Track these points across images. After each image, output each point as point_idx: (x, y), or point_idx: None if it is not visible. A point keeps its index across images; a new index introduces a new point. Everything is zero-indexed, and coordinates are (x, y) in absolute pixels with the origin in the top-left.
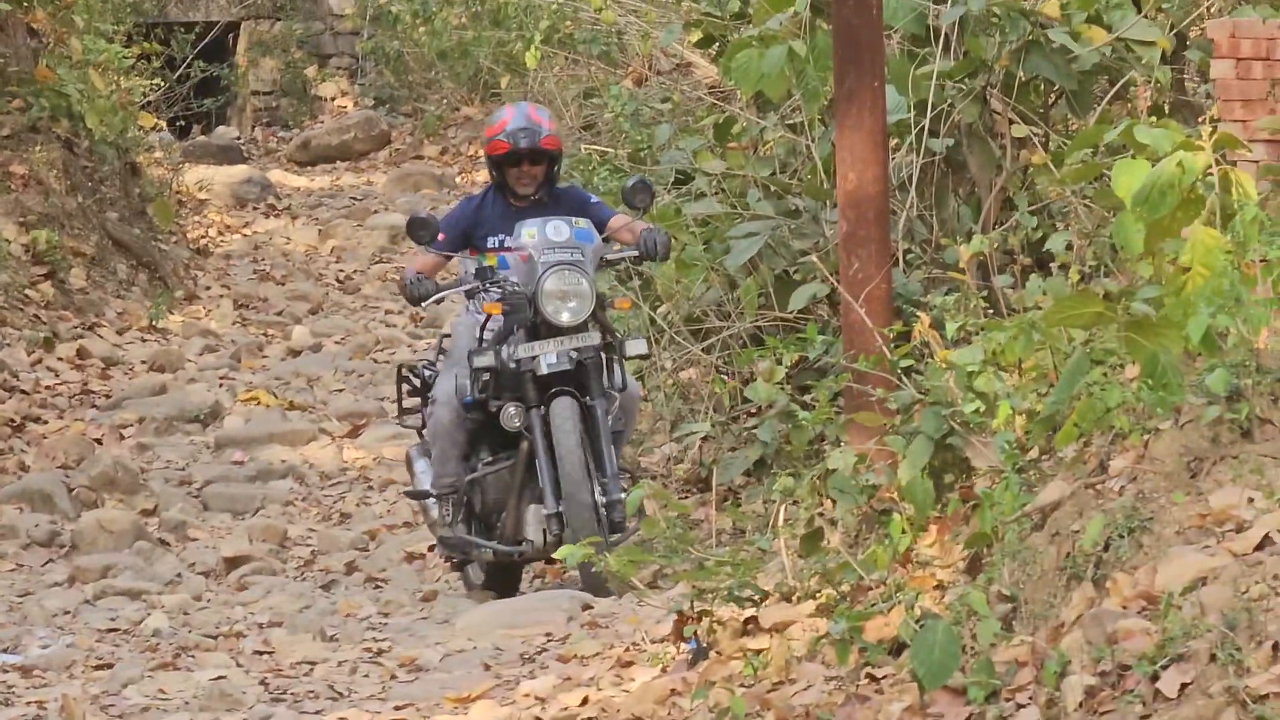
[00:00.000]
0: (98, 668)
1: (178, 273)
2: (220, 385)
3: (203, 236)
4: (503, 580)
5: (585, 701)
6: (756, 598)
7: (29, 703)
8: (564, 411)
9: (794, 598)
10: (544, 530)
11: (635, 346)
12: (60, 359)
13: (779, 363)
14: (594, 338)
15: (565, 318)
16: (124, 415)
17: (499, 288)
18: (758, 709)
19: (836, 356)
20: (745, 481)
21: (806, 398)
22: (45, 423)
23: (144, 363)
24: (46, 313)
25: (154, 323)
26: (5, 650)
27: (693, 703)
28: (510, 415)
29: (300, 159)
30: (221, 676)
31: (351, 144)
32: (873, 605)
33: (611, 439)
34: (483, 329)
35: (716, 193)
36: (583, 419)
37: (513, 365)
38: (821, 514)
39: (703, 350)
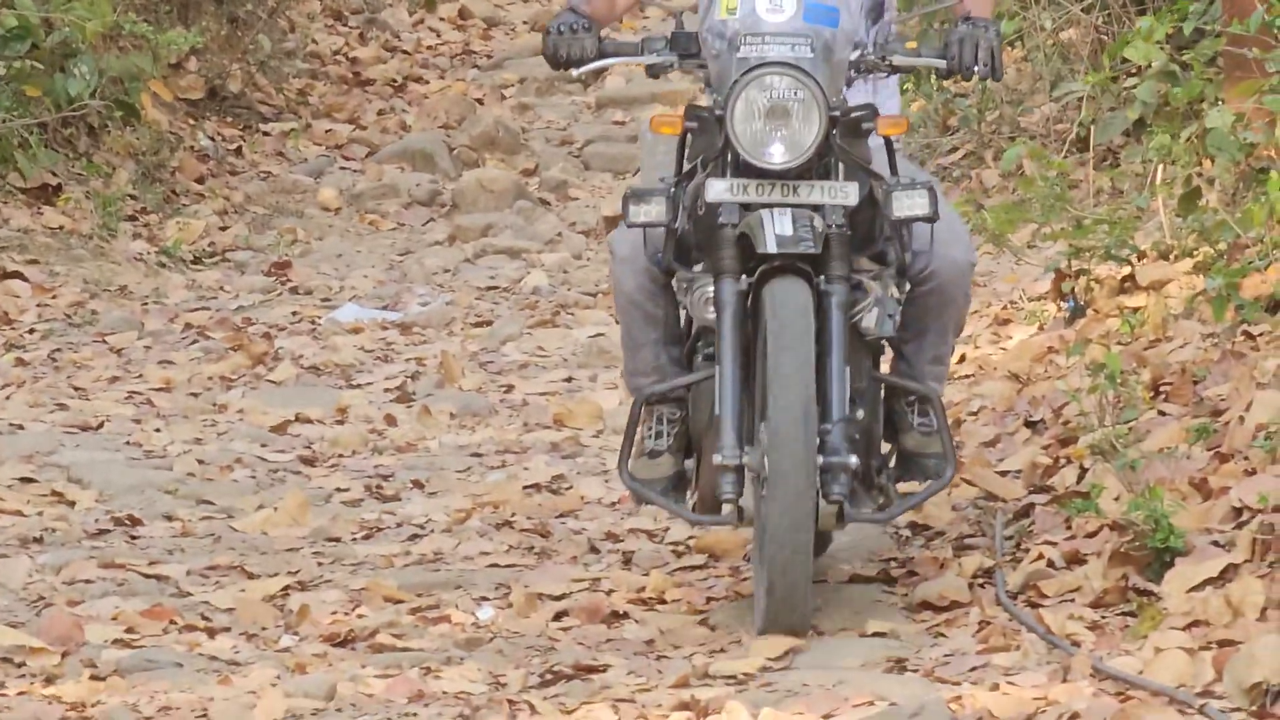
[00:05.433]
0: (477, 325)
1: None
2: None
3: None
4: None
5: (963, 359)
6: (1134, 256)
7: (408, 359)
8: (787, 302)
9: (1171, 255)
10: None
11: (910, 201)
12: (442, 19)
13: (1158, 24)
14: (847, 193)
15: (775, 154)
16: (505, 75)
17: (705, 72)
18: (1134, 366)
19: (1215, 19)
20: (1124, 141)
21: (1184, 58)
22: (426, 83)
23: (525, 23)
24: None
25: None
26: (386, 307)
27: (1069, 359)
28: (698, 299)
29: None
30: (600, 334)
31: None
32: (1249, 262)
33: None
34: (683, 148)
35: None
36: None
37: (705, 214)
38: (1199, 173)
39: (1082, 10)
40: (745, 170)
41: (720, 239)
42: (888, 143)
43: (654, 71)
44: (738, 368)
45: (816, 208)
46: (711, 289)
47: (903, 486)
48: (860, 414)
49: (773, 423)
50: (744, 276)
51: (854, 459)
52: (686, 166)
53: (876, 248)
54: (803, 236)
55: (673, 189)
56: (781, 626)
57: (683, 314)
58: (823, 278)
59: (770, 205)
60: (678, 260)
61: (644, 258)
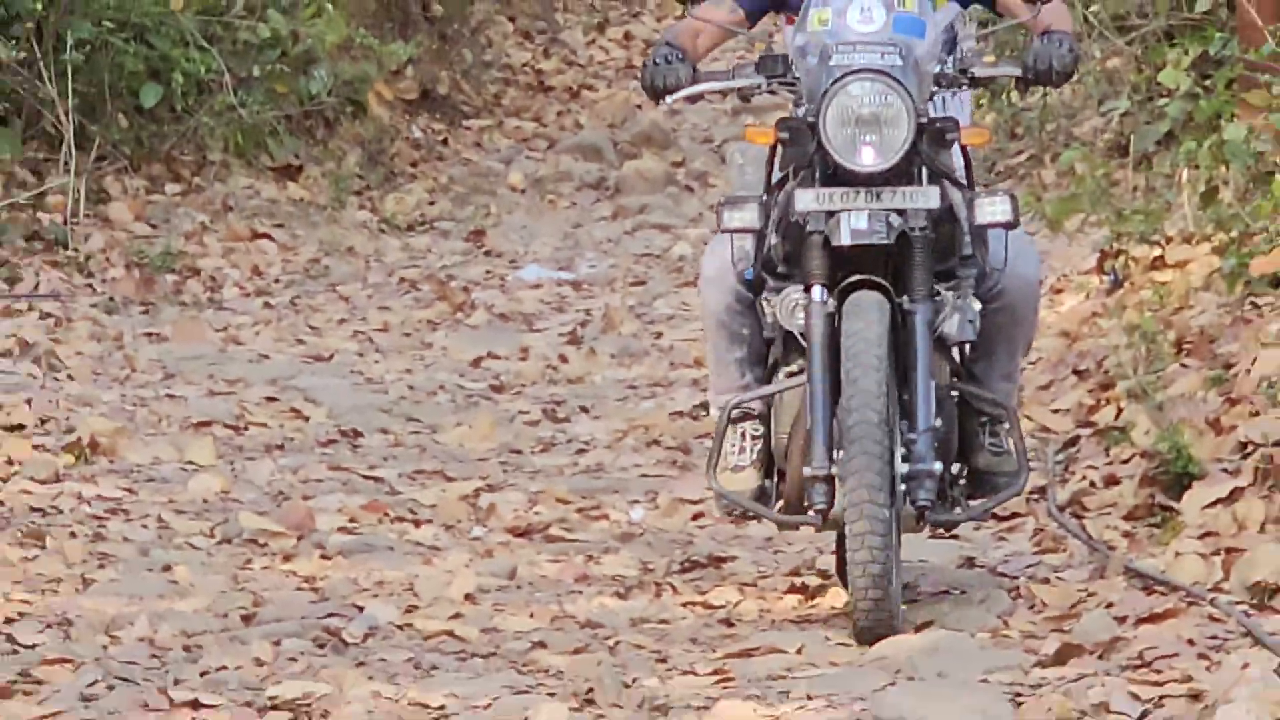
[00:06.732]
0: (634, 284)
1: None
2: None
3: None
4: None
5: None
6: (1163, 240)
7: (578, 310)
8: (862, 315)
9: (1193, 240)
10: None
11: (993, 208)
12: (610, 40)
13: (1186, 54)
14: (929, 196)
15: (866, 157)
16: None
17: (793, 91)
18: (1162, 328)
19: (1233, 50)
20: (1157, 149)
21: (1207, 82)
22: (597, 90)
23: None
24: (600, 1)
25: (687, 8)
26: (561, 268)
27: (1110, 322)
28: (786, 306)
29: None
30: None
31: None
32: (1257, 247)
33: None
34: (771, 162)
35: None
36: (893, 329)
37: (794, 223)
38: (1218, 175)
39: (1125, 43)
40: (832, 178)
41: (808, 245)
42: (965, 154)
43: (745, 95)
44: (827, 378)
45: (900, 212)
46: (801, 296)
47: None
48: (941, 424)
49: (849, 434)
50: (829, 290)
51: (939, 465)
52: (777, 176)
53: (952, 262)
54: (876, 229)
55: (765, 197)
56: (870, 635)
57: (765, 333)
58: (905, 297)
59: (853, 210)
60: (764, 273)
61: (731, 276)
